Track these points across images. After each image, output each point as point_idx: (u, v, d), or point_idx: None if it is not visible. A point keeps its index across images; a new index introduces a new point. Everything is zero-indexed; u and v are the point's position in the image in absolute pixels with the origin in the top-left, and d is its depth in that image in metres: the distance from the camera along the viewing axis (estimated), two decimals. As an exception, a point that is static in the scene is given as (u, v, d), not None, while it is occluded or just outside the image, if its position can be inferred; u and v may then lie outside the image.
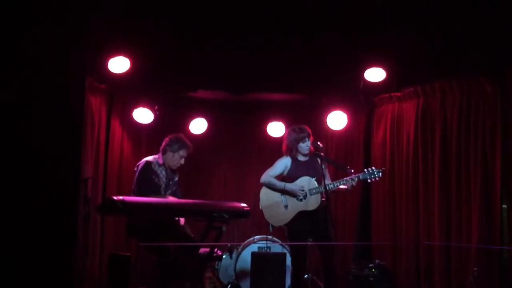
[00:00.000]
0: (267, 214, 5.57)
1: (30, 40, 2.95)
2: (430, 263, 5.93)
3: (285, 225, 5.48)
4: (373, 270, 5.97)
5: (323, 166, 5.45)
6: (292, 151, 5.51)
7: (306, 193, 5.35)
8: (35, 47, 2.95)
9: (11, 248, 2.79)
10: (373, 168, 5.39)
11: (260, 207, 5.59)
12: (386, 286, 6.05)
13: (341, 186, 5.35)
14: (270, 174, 5.53)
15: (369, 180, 5.38)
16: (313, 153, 5.49)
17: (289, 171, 5.50)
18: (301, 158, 5.52)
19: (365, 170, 5.39)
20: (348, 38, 5.58)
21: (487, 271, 5.39)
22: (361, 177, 5.34)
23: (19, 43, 2.92)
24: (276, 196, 5.49)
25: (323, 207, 5.29)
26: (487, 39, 5.30)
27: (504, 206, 5.44)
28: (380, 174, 5.38)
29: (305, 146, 5.45)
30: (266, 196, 5.56)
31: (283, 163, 5.53)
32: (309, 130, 5.53)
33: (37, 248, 2.85)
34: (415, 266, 6.08)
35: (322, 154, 5.48)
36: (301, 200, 5.36)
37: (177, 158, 5.49)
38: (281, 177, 5.56)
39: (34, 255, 2.84)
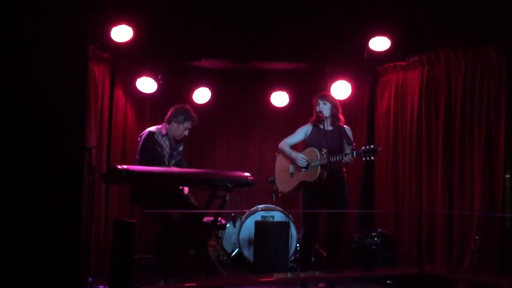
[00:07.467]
0: (278, 180, 5.71)
1: (31, 9, 2.93)
2: (432, 231, 5.98)
3: (290, 192, 5.53)
4: (375, 238, 6.02)
5: (344, 140, 5.29)
6: (314, 117, 5.47)
7: (308, 163, 5.32)
8: (37, 16, 2.93)
9: (16, 217, 2.82)
10: (370, 146, 5.01)
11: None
12: (388, 255, 6.11)
13: (344, 160, 5.14)
14: (286, 142, 5.56)
15: (363, 159, 5.03)
16: (338, 125, 5.39)
17: (308, 137, 5.50)
18: (323, 126, 5.29)
19: (363, 147, 5.02)
20: (352, 6, 5.53)
21: (488, 240, 5.44)
22: (354, 155, 5.05)
23: (20, 11, 2.90)
24: (287, 163, 5.54)
25: (324, 179, 5.17)
26: (493, 6, 5.24)
27: (507, 175, 5.45)
28: (373, 155, 4.98)
29: (317, 109, 5.40)
30: (279, 162, 5.67)
31: (303, 130, 5.54)
32: (331, 97, 5.48)
33: (42, 216, 2.87)
34: (417, 235, 6.12)
35: (344, 126, 5.41)
36: (303, 170, 5.36)
37: (182, 130, 5.45)
38: (304, 143, 5.55)
39: (39, 223, 2.87)
